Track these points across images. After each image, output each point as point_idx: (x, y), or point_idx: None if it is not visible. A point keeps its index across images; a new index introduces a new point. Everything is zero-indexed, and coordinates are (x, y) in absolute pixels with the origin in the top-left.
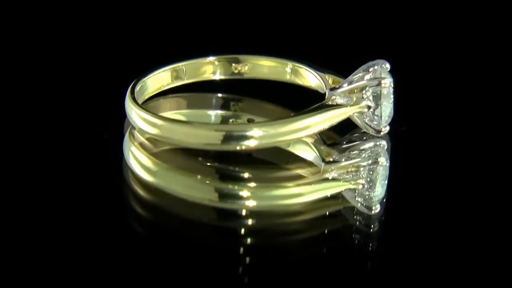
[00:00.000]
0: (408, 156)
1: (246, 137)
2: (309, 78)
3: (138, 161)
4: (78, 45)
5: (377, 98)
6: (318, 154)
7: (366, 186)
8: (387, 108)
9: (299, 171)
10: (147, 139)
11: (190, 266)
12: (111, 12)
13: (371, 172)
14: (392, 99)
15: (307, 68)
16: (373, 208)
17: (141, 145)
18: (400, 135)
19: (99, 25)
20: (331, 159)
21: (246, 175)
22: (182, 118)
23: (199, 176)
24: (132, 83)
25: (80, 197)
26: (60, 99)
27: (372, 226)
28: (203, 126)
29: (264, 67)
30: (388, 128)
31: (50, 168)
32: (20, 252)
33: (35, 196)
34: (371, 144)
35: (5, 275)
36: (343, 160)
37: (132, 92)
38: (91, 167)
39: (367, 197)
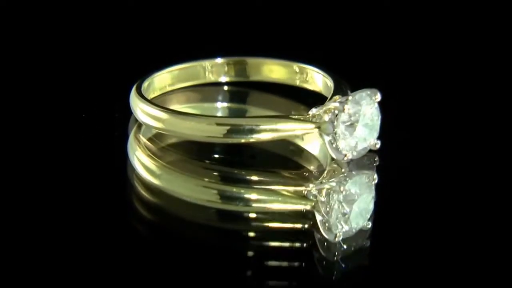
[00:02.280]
0: (395, 191)
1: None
2: (318, 83)
3: (142, 163)
4: (85, 46)
5: (340, 123)
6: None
7: (328, 212)
8: (347, 135)
9: (289, 179)
10: (151, 140)
11: (192, 267)
12: (111, 15)
13: (333, 200)
14: (363, 129)
15: (325, 76)
16: (336, 235)
17: (146, 146)
18: (394, 170)
19: (103, 28)
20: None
21: (248, 177)
22: (189, 111)
23: (206, 179)
24: (139, 80)
25: (84, 198)
26: (65, 99)
27: (331, 252)
28: (206, 120)
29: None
30: (349, 157)
31: (54, 169)
32: (23, 252)
33: (39, 197)
34: (358, 172)
35: (7, 275)
36: (322, 181)
37: (138, 87)
38: (95, 168)
39: (329, 223)
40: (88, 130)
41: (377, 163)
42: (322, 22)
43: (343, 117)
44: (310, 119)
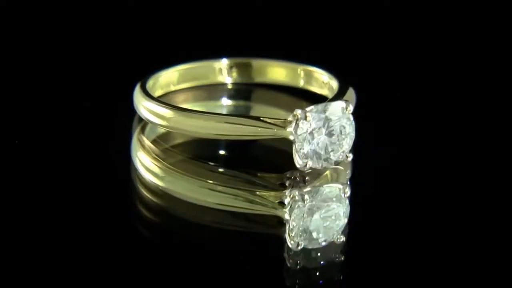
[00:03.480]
0: (375, 206)
1: None
2: (323, 85)
3: (145, 165)
4: (92, 47)
5: (301, 131)
6: None
7: (292, 220)
8: (310, 144)
9: (272, 183)
10: (154, 142)
11: (195, 269)
12: (117, 17)
13: (297, 209)
14: (328, 140)
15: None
16: (298, 244)
17: (149, 148)
18: (375, 184)
19: (107, 31)
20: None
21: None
22: (195, 108)
23: (210, 181)
24: (143, 79)
25: (87, 200)
26: (70, 101)
27: (294, 261)
28: (213, 117)
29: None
30: (310, 165)
31: (57, 170)
32: (26, 255)
33: (42, 198)
34: (329, 184)
35: (9, 276)
36: (292, 189)
37: (143, 85)
38: (98, 170)
39: (293, 231)
40: (91, 130)
41: (349, 175)
42: (330, 24)
43: (304, 125)
44: (284, 124)
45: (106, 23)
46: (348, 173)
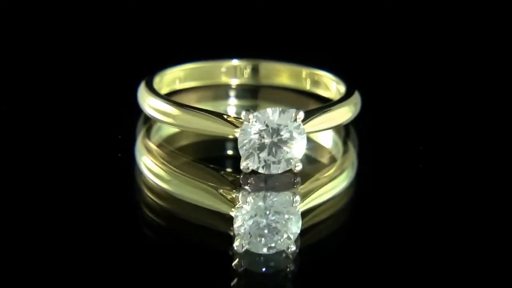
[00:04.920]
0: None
1: None
2: (330, 89)
3: (149, 168)
4: (99, 47)
5: (243, 132)
6: None
7: (235, 220)
8: (254, 147)
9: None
10: (159, 144)
11: (199, 271)
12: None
13: (242, 210)
14: (272, 145)
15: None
16: (242, 246)
17: (154, 150)
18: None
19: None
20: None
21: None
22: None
23: (212, 184)
24: (148, 77)
25: (92, 202)
26: (74, 102)
27: (238, 263)
28: (217, 116)
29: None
30: (251, 168)
31: (61, 173)
32: (30, 256)
33: (46, 201)
34: (280, 191)
35: (13, 280)
36: (243, 189)
37: (148, 83)
38: (103, 172)
39: (237, 232)
40: (95, 131)
41: (299, 185)
42: (341, 27)
43: (249, 127)
44: (238, 123)
45: (124, 25)
46: (298, 182)
